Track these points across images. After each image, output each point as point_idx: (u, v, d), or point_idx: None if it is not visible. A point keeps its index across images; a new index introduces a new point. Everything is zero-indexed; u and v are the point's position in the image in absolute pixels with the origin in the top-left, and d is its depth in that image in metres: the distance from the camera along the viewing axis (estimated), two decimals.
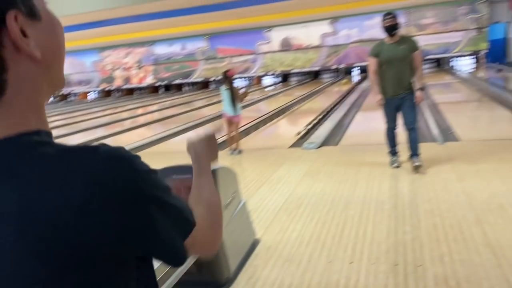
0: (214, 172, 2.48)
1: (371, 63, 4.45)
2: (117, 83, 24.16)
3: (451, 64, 18.36)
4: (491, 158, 4.62)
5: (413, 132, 4.36)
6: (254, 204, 3.82)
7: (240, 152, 6.07)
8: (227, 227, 2.59)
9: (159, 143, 7.72)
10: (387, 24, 4.25)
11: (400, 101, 4.34)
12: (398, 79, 4.29)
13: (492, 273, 2.42)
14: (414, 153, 4.41)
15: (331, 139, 6.54)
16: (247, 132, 7.83)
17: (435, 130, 6.17)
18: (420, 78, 4.40)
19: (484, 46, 17.94)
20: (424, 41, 18.15)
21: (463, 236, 2.89)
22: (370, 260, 2.70)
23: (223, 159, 5.42)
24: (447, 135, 5.97)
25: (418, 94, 4.35)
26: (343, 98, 11.81)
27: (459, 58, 18.22)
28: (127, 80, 23.90)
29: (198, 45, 21.98)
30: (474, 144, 5.35)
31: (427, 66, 18.19)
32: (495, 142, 5.33)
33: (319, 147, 6.01)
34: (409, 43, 4.32)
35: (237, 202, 2.86)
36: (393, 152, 4.63)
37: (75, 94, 25.16)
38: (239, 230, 2.81)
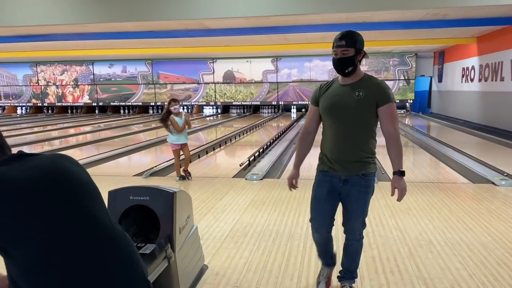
0: (172, 195, 2.53)
1: (308, 114, 2.71)
2: (50, 100, 23.02)
3: None
4: (419, 198, 5.02)
5: (355, 243, 2.69)
6: (200, 231, 3.82)
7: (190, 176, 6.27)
8: (180, 250, 2.60)
9: (91, 166, 7.44)
10: (337, 56, 2.44)
11: (342, 186, 2.53)
12: (343, 146, 2.49)
13: None
14: (348, 272, 2.75)
15: (272, 172, 6.74)
16: (190, 160, 7.82)
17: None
18: (395, 153, 2.50)
19: (411, 96, 19.53)
20: None
21: (398, 268, 3.12)
22: None
23: (170, 184, 5.39)
24: (380, 175, 6.39)
25: (395, 184, 2.49)
26: (282, 134, 12.20)
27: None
28: (61, 97, 22.86)
29: (139, 69, 21.69)
30: None
31: None
32: (421, 184, 5.80)
33: (262, 178, 6.17)
34: (373, 89, 2.44)
35: (190, 226, 2.88)
36: (327, 263, 2.83)
37: (3, 108, 23.55)
38: (191, 255, 2.83)
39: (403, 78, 19.39)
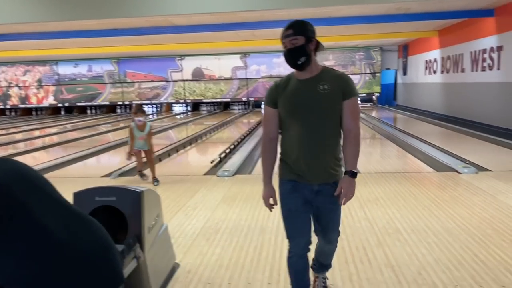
0: (139, 194, 2.51)
1: (265, 119, 2.30)
2: (13, 102, 22.24)
3: None
4: (386, 189, 5.14)
5: (330, 245, 2.48)
6: (171, 230, 3.79)
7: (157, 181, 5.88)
8: (150, 250, 2.58)
9: (57, 168, 7.26)
10: (288, 47, 2.14)
11: (315, 198, 2.24)
12: (314, 151, 2.18)
13: None
14: (322, 265, 2.64)
15: (244, 168, 6.75)
16: (159, 158, 7.74)
17: None
18: (352, 152, 2.22)
19: (377, 89, 19.93)
20: None
21: (367, 257, 3.20)
22: (287, 281, 2.85)
23: (140, 184, 5.32)
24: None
25: (344, 184, 2.18)
26: (252, 129, 12.22)
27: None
28: (24, 99, 22.12)
29: (105, 68, 21.25)
30: (372, 176, 5.90)
31: None
32: (388, 175, 5.94)
33: (233, 175, 6.17)
34: (337, 81, 2.18)
35: (160, 225, 2.86)
36: None
37: None
38: (161, 254, 2.81)
39: (369, 72, 19.76)
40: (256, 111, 19.94)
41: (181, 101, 21.30)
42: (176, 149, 8.92)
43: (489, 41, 10.81)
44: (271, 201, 2.31)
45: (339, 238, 2.47)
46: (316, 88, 2.15)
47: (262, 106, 17.60)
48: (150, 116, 19.74)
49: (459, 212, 4.18)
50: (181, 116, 19.46)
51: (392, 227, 3.83)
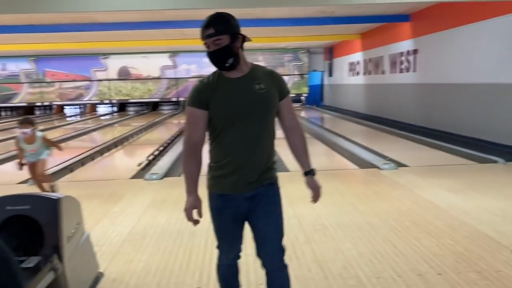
0: (56, 201, 2.34)
1: (192, 122, 1.98)
2: None
3: None
4: None
5: (279, 274, 2.11)
6: (95, 238, 3.59)
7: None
8: (70, 260, 2.42)
9: None
10: (211, 49, 1.89)
11: (249, 204, 2.03)
12: (252, 155, 1.98)
13: (320, 285, 2.79)
14: None
15: (173, 170, 6.61)
16: (82, 162, 7.35)
17: None
18: (305, 150, 2.14)
19: (305, 90, 20.55)
20: None
21: (296, 254, 3.25)
22: (216, 284, 2.82)
23: (61, 190, 5.00)
24: (278, 166, 6.62)
25: (315, 185, 2.18)
26: (183, 130, 12.03)
27: None
28: None
29: (21, 67, 19.81)
30: (300, 174, 6.03)
31: None
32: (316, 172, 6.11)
33: (162, 178, 6.02)
34: (271, 80, 2.00)
35: (81, 234, 2.69)
36: None
37: None
38: (83, 264, 2.65)
39: (297, 73, 20.31)
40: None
41: (106, 101, 20.46)
42: (100, 152, 8.53)
43: (406, 45, 11.57)
44: (195, 214, 2.01)
45: None
46: (252, 88, 1.93)
47: None
48: (73, 118, 18.75)
49: (381, 206, 4.41)
50: (107, 117, 18.68)
51: (319, 223, 3.94)
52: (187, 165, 2.02)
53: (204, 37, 1.88)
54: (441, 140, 8.28)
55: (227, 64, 1.89)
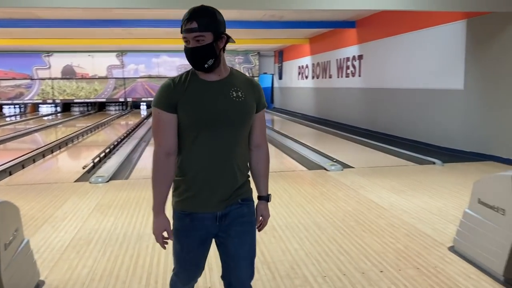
0: None
1: (160, 127, 1.74)
2: None
3: None
4: None
5: None
6: (36, 244, 3.47)
7: None
8: (8, 269, 2.30)
9: None
10: (191, 46, 1.67)
11: (220, 225, 1.79)
12: (224, 169, 1.75)
13: (268, 285, 2.83)
14: None
15: (120, 173, 6.44)
16: (22, 165, 6.99)
17: None
18: (265, 173, 1.95)
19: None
20: None
21: None
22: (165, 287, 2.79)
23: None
24: None
25: (264, 212, 1.94)
26: (131, 132, 11.75)
27: None
28: None
29: None
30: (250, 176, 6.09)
31: None
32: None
33: (108, 181, 5.85)
34: (250, 89, 1.80)
35: (20, 241, 2.57)
36: None
37: None
38: (21, 272, 2.52)
39: (248, 76, 20.43)
40: (134, 112, 19.24)
41: (49, 101, 19.55)
42: (42, 154, 8.14)
43: (352, 50, 11.97)
44: (165, 234, 1.78)
45: None
46: (229, 94, 1.72)
47: (142, 107, 17.04)
48: (13, 118, 17.78)
49: (327, 206, 4.54)
50: (49, 117, 17.86)
51: (268, 224, 3.95)
52: (156, 180, 1.75)
53: (185, 30, 1.65)
54: (384, 143, 8.65)
55: (206, 65, 1.68)
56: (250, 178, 1.89)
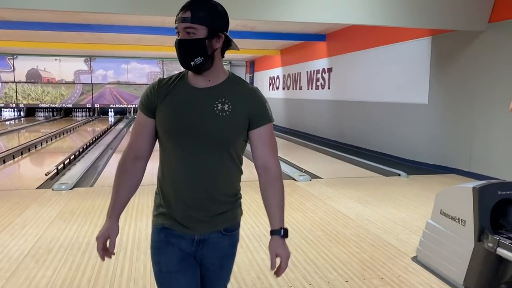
0: None
1: (135, 127, 1.62)
2: None
3: None
4: None
5: None
6: None
7: None
8: None
9: None
10: (180, 37, 1.47)
11: (196, 251, 1.58)
12: (196, 185, 1.52)
13: None
14: None
15: (85, 180, 6.27)
16: None
17: None
18: (277, 201, 1.58)
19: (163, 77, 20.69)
20: None
21: None
22: None
23: None
24: None
25: (279, 250, 1.54)
26: (97, 138, 11.49)
27: None
28: None
29: None
30: None
31: None
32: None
33: (72, 188, 5.68)
34: (245, 101, 1.54)
35: None
36: None
37: None
38: None
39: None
40: (102, 119, 18.83)
41: (12, 105, 18.90)
42: (3, 160, 7.84)
43: (322, 63, 12.18)
44: (107, 243, 1.57)
45: None
46: (211, 106, 1.49)
47: (110, 113, 16.77)
48: None
49: (295, 216, 4.56)
50: (12, 122, 17.25)
51: None
52: (117, 182, 1.59)
53: (177, 19, 1.46)
54: (351, 154, 8.79)
55: (193, 63, 1.46)
56: (246, 204, 1.58)
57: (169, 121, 1.50)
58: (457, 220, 2.96)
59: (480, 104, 6.63)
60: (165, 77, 1.60)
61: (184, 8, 1.44)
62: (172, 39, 1.50)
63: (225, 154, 1.52)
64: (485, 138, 6.56)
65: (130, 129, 14.74)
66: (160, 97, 1.52)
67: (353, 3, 6.17)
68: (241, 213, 1.64)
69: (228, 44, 1.54)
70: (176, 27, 1.47)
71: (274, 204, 1.57)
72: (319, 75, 12.40)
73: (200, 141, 1.48)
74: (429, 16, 6.39)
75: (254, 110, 1.54)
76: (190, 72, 1.54)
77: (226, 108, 1.49)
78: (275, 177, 1.58)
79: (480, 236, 2.77)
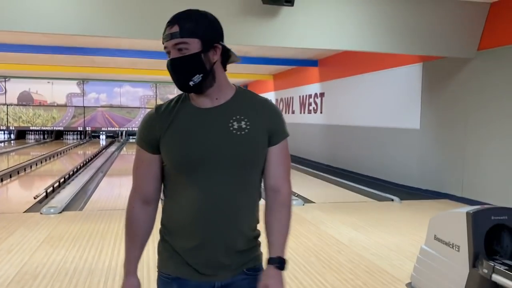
0: None
1: (137, 167, 1.39)
2: None
3: None
4: None
5: None
6: None
7: None
8: None
9: None
10: (172, 56, 1.27)
11: None
12: (217, 222, 1.31)
13: None
14: None
15: (74, 204, 6.16)
16: None
17: None
18: (282, 227, 1.43)
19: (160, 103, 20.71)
20: None
21: None
22: None
23: None
24: None
25: (271, 281, 1.33)
26: (88, 161, 11.38)
27: None
28: None
29: None
30: None
31: None
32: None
33: (61, 212, 5.57)
34: (260, 114, 1.36)
35: None
36: None
37: None
38: None
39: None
40: (93, 142, 18.73)
41: (3, 127, 18.76)
42: None
43: (314, 88, 12.30)
44: None
45: None
46: (226, 126, 1.30)
47: (102, 136, 16.65)
48: None
49: (288, 242, 4.48)
50: (1, 144, 17.09)
51: None
52: (128, 233, 1.39)
53: (165, 37, 1.28)
54: (345, 179, 8.77)
55: (191, 83, 1.27)
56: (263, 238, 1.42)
57: (179, 152, 1.29)
58: (451, 246, 2.93)
59: (471, 129, 6.69)
60: (161, 102, 1.40)
61: (170, 23, 1.26)
62: (164, 62, 1.43)
63: (248, 180, 1.34)
64: (476, 163, 6.60)
65: (122, 152, 14.66)
66: (162, 127, 1.30)
67: (346, 30, 6.27)
68: (260, 255, 1.43)
69: (227, 56, 1.35)
70: (165, 47, 1.28)
71: (277, 230, 1.40)
72: (311, 100, 12.50)
73: (219, 169, 1.28)
74: (420, 43, 6.51)
75: (273, 125, 1.37)
76: (192, 94, 1.34)
77: (244, 126, 1.31)
78: (285, 201, 1.42)
79: (474, 262, 2.74)
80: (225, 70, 1.37)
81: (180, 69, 1.27)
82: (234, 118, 1.31)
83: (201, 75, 1.27)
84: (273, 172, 1.40)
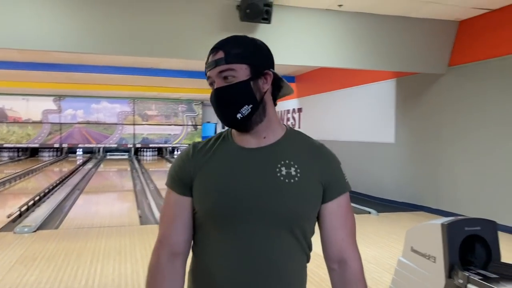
0: None
1: (165, 212, 1.18)
2: None
3: (170, 153, 20.18)
4: None
5: None
6: None
7: None
8: None
9: None
10: (217, 86, 1.10)
11: None
12: (255, 282, 1.08)
13: None
14: None
15: (50, 222, 6.02)
16: None
17: (157, 214, 6.58)
18: None
19: (199, 140, 20.64)
20: (148, 130, 19.58)
21: None
22: None
23: None
24: None
25: None
26: (64, 179, 11.16)
27: (178, 149, 20.26)
28: None
29: None
30: None
31: (149, 153, 19.53)
32: None
33: (36, 230, 5.44)
34: (315, 161, 1.15)
35: None
36: None
37: None
38: None
39: (191, 124, 20.44)
40: (69, 159, 18.38)
41: None
42: None
43: (292, 103, 12.44)
44: None
45: None
46: (274, 171, 1.10)
47: (78, 153, 16.37)
48: None
49: None
50: None
51: None
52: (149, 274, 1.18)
53: (208, 65, 1.11)
54: None
55: (239, 115, 1.09)
56: None
57: (214, 196, 1.09)
58: (427, 257, 2.98)
59: (444, 142, 6.87)
60: (200, 140, 1.24)
61: (214, 50, 1.10)
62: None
63: (294, 238, 1.12)
64: (450, 176, 6.76)
65: (99, 169, 14.44)
66: (198, 166, 1.12)
67: (323, 47, 6.41)
68: None
69: (278, 86, 1.18)
70: (208, 77, 1.11)
71: None
72: (289, 115, 12.63)
73: (261, 221, 1.07)
74: (394, 59, 6.70)
75: (329, 176, 1.14)
76: (234, 131, 1.16)
77: (294, 173, 1.10)
78: (357, 276, 1.15)
79: (450, 272, 2.80)
80: (275, 104, 1.18)
81: (226, 100, 1.09)
82: (282, 162, 1.11)
83: (250, 105, 1.09)
84: (335, 237, 1.16)
